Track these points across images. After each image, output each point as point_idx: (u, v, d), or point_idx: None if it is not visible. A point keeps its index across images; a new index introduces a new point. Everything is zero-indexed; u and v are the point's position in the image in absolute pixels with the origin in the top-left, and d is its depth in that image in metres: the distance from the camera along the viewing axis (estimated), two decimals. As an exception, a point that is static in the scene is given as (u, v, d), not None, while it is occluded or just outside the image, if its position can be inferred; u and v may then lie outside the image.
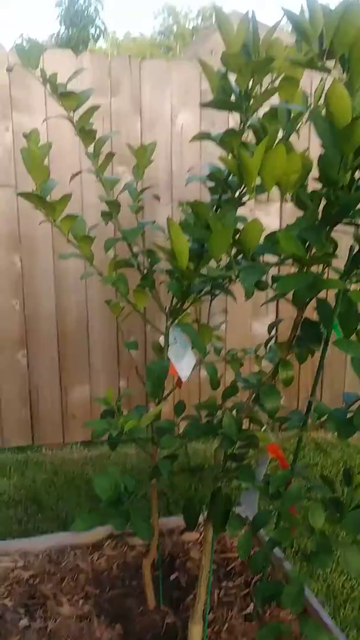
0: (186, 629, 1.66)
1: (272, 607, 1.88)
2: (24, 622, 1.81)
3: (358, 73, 0.99)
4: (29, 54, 1.58)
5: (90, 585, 2.00)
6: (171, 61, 3.29)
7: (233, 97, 1.21)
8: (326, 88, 1.02)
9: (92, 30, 11.70)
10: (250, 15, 1.14)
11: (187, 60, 3.09)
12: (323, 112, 1.06)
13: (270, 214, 3.43)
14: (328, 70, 1.02)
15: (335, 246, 1.22)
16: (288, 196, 1.18)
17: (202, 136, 1.30)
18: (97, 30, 11.83)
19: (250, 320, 3.56)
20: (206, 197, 1.48)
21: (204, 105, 1.13)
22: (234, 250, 1.26)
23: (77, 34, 11.32)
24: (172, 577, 2.06)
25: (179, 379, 1.64)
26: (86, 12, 11.41)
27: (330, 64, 1.08)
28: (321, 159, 1.08)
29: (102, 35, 12.24)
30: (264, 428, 1.37)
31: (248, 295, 1.41)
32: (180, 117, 3.23)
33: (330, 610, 2.13)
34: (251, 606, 1.90)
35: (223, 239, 1.14)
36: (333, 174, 1.05)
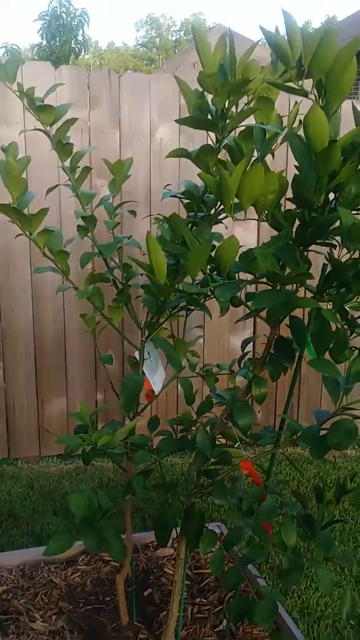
0: (159, 646, 1.65)
1: (245, 624, 1.87)
2: (-5, 639, 1.79)
3: (334, 98, 1.01)
4: (7, 67, 1.58)
5: (64, 601, 1.98)
6: (150, 75, 3.31)
7: (209, 116, 1.22)
8: (302, 109, 1.04)
9: (74, 45, 11.67)
10: (227, 35, 1.16)
11: (169, 73, 3.11)
12: (299, 132, 1.08)
13: (248, 229, 3.45)
14: (305, 93, 1.03)
15: (310, 266, 1.24)
16: (264, 216, 1.20)
17: (179, 153, 1.31)
18: (80, 44, 11.80)
19: (228, 335, 3.57)
20: (185, 213, 1.49)
21: (179, 122, 1.14)
22: (209, 267, 1.27)
23: (60, 47, 11.29)
24: (146, 593, 2.04)
25: (148, 393, 1.65)
26: (69, 26, 11.39)
27: (307, 84, 1.10)
28: (296, 180, 1.09)
29: (84, 50, 12.20)
30: (237, 444, 1.37)
31: (223, 311, 1.42)
32: (159, 131, 3.25)
33: (304, 627, 2.12)
34: (224, 623, 1.90)
35: (199, 257, 1.15)
36: (308, 195, 1.07)
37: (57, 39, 11.44)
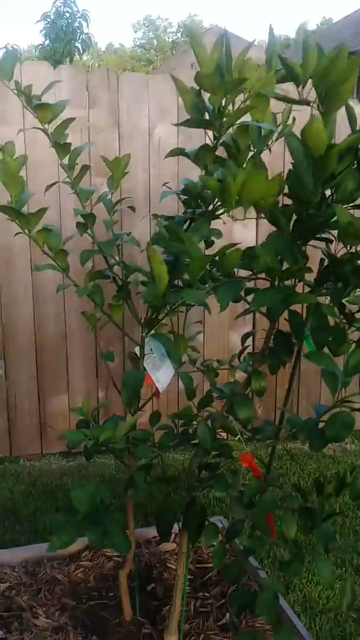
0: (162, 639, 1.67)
1: (248, 617, 1.89)
2: (0, 634, 1.80)
3: (333, 107, 1.03)
4: (3, 65, 1.59)
5: (67, 597, 1.99)
6: (149, 74, 3.32)
7: (207, 115, 1.23)
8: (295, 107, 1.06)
9: (77, 45, 11.66)
10: (223, 36, 1.17)
11: (167, 73, 3.12)
12: (295, 129, 1.10)
13: (247, 226, 3.46)
14: (308, 103, 1.06)
15: (307, 259, 1.25)
16: (263, 214, 1.21)
17: (177, 152, 1.32)
18: (83, 44, 11.79)
19: (228, 331, 3.58)
20: (183, 208, 1.50)
21: (178, 125, 1.16)
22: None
23: (62, 48, 11.27)
24: (149, 587, 2.06)
25: (157, 389, 1.66)
26: (71, 27, 11.37)
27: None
28: (293, 179, 1.11)
29: (87, 50, 12.19)
30: (237, 437, 1.38)
31: (222, 308, 1.43)
32: (157, 131, 3.26)
33: (306, 620, 2.14)
34: (227, 616, 1.91)
35: (199, 265, 1.17)
36: (305, 195, 1.08)
37: (62, 38, 11.42)
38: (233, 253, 1.17)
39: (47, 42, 11.81)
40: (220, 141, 1.24)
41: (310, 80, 1.08)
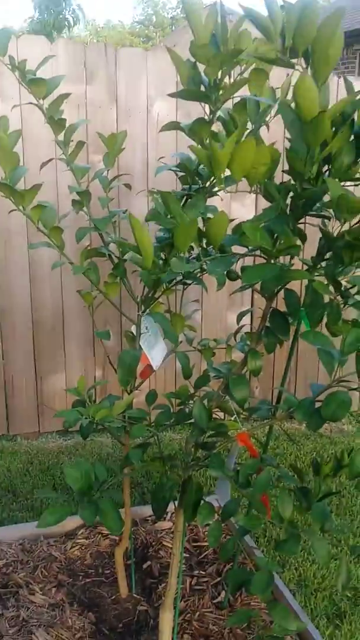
0: (158, 617, 1.68)
1: (244, 596, 1.90)
2: (-4, 611, 1.82)
3: (322, 69, 1.00)
4: (-3, 40, 1.56)
5: (63, 574, 2.00)
6: (148, 50, 3.26)
7: (202, 88, 1.21)
8: (293, 82, 1.03)
9: (67, 16, 11.40)
10: (218, 5, 1.14)
11: (163, 49, 3.07)
12: (292, 105, 1.07)
13: (245, 205, 3.43)
14: (291, 65, 1.02)
15: (304, 238, 1.23)
16: (257, 188, 1.19)
17: (173, 126, 1.30)
18: (73, 16, 11.53)
19: (226, 312, 3.57)
20: (181, 186, 1.48)
21: (172, 95, 1.13)
22: (204, 241, 1.26)
23: (52, 20, 11.03)
24: (145, 565, 2.07)
25: (144, 370, 1.65)
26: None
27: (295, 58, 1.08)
28: (288, 151, 1.08)
29: (77, 22, 11.93)
30: (234, 417, 1.38)
31: (220, 285, 1.42)
32: (156, 107, 3.22)
33: (301, 598, 2.15)
34: (222, 594, 1.92)
35: (188, 232, 1.14)
36: (299, 166, 1.06)
37: (52, 10, 11.19)
38: (218, 222, 1.14)
39: (36, 14, 11.58)
40: (217, 115, 1.21)
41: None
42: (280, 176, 1.17)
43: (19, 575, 1.95)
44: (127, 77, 3.16)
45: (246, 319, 3.28)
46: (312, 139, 1.01)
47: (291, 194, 1.15)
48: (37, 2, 11.32)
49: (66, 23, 11.48)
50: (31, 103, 1.56)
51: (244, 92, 1.23)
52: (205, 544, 2.15)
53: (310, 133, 1.00)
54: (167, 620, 1.59)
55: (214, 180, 1.35)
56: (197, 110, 3.28)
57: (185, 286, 1.63)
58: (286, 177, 1.17)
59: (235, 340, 1.57)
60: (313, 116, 0.99)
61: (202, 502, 1.44)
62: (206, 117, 1.24)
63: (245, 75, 1.19)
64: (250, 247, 1.20)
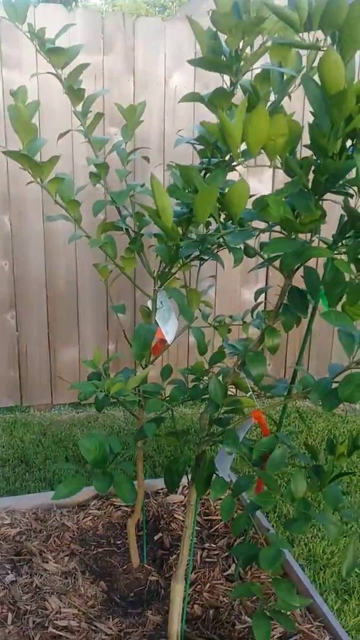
0: (169, 587, 1.70)
1: (254, 569, 1.92)
2: (11, 577, 1.85)
3: (347, 48, 0.97)
4: (16, 8, 1.54)
5: (76, 544, 2.03)
6: (166, 20, 3.21)
7: (223, 58, 1.18)
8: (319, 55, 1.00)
9: None
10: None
11: (184, 19, 3.02)
12: (315, 77, 1.04)
13: (262, 181, 3.40)
14: (317, 48, 1.00)
15: (324, 215, 1.22)
16: (279, 163, 1.17)
17: (192, 97, 1.28)
18: None
19: (240, 287, 3.55)
20: (197, 159, 1.46)
21: (192, 63, 1.11)
22: (223, 216, 1.25)
23: None
24: (156, 537, 2.09)
25: (156, 345, 1.65)
26: None
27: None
28: (312, 125, 1.06)
29: None
30: (249, 394, 1.38)
31: (237, 261, 1.41)
32: (174, 78, 3.17)
33: (310, 574, 2.17)
34: (232, 567, 1.94)
35: (207, 201, 1.12)
36: (323, 142, 1.04)
37: None
38: (238, 191, 1.12)
39: None
40: (238, 86, 1.19)
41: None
42: (301, 151, 1.16)
43: (33, 543, 1.99)
44: (144, 47, 3.11)
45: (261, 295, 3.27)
46: (336, 113, 0.99)
47: (313, 169, 1.14)
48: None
49: None
50: (50, 73, 1.54)
51: (266, 60, 1.21)
52: (216, 517, 2.17)
53: (335, 108, 0.98)
54: (178, 591, 1.61)
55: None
56: (216, 82, 3.24)
57: (202, 262, 1.62)
58: (305, 152, 1.15)
59: (251, 317, 1.56)
60: (338, 90, 0.97)
61: (214, 476, 1.45)
62: (226, 88, 1.22)
63: (268, 44, 1.17)
64: (270, 222, 1.19)
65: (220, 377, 1.40)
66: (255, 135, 1.04)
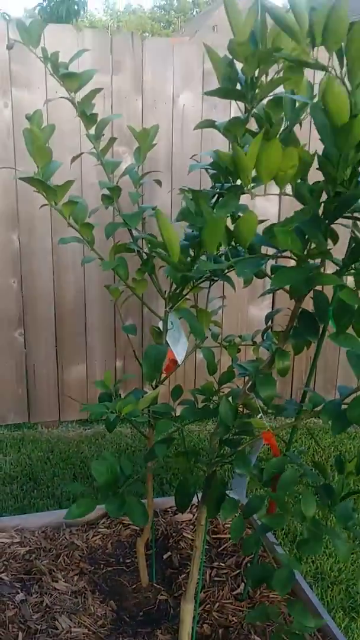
0: (178, 606, 1.70)
1: (263, 588, 1.92)
2: (20, 596, 1.85)
3: (357, 68, 0.99)
4: (30, 30, 1.57)
5: (85, 562, 2.03)
6: (173, 39, 3.25)
7: (238, 86, 1.20)
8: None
9: (73, 6, 11.23)
10: (258, 2, 1.13)
11: (189, 36, 3.06)
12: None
13: (269, 199, 3.42)
14: (323, 67, 1.01)
15: (336, 239, 1.23)
16: (288, 189, 1.19)
17: (206, 124, 1.30)
18: (77, 3, 11.34)
19: (247, 306, 3.57)
20: (206, 180, 1.49)
21: (208, 94, 1.13)
22: (233, 241, 1.27)
23: (57, 6, 10.88)
24: (165, 556, 2.10)
25: (168, 365, 1.66)
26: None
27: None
28: (320, 155, 1.08)
29: (82, 11, 11.73)
30: (259, 416, 1.39)
31: (246, 283, 1.43)
32: (182, 98, 3.21)
33: (318, 591, 2.17)
34: (242, 586, 1.94)
35: (215, 232, 1.14)
36: (331, 171, 1.06)
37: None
38: (247, 221, 1.14)
39: (44, 2, 11.47)
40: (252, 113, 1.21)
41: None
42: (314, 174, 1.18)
43: (42, 562, 1.99)
44: (153, 67, 3.15)
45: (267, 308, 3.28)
46: (343, 144, 1.01)
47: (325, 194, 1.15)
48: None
49: (72, 11, 11.34)
50: (64, 97, 1.57)
51: (281, 88, 1.23)
52: (225, 536, 2.17)
53: (342, 138, 1.00)
54: (188, 611, 1.61)
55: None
56: (224, 102, 3.28)
57: (212, 282, 1.64)
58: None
59: (262, 338, 1.58)
60: (344, 122, 0.98)
61: (225, 497, 1.46)
62: (235, 111, 1.24)
63: (282, 73, 1.19)
64: (280, 248, 1.20)
65: (230, 399, 1.41)
66: (267, 167, 1.06)
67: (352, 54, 0.99)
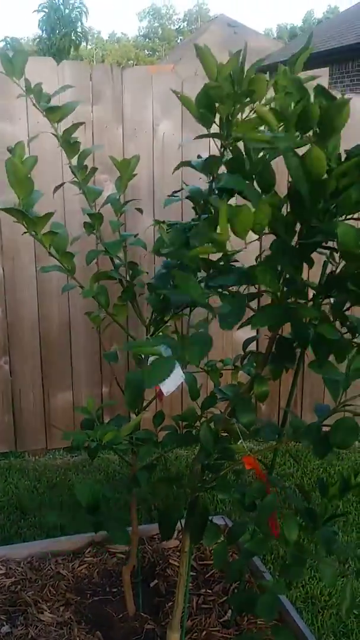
0: (165, 636, 1.69)
1: (250, 615, 1.91)
2: (5, 628, 1.83)
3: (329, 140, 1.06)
4: (14, 62, 1.59)
5: (71, 592, 2.02)
6: (153, 67, 3.31)
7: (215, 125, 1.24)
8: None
9: (74, 37, 11.50)
10: (240, 53, 1.17)
11: (174, 63, 3.12)
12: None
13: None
14: (302, 145, 1.08)
15: (311, 264, 1.26)
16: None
17: (184, 164, 1.33)
18: (79, 36, 11.62)
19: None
20: (187, 209, 1.51)
21: (200, 137, 1.17)
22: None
23: (59, 40, 11.14)
24: (152, 584, 2.08)
25: (161, 392, 1.66)
26: (68, 18, 11.24)
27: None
28: (292, 194, 1.12)
29: (84, 42, 12.04)
30: (240, 441, 1.40)
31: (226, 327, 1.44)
32: (162, 126, 3.26)
33: (308, 616, 2.16)
34: (229, 613, 1.93)
35: (190, 287, 1.19)
36: (305, 215, 1.09)
37: (57, 31, 11.34)
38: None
39: (44, 34, 11.73)
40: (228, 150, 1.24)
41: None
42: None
43: (28, 593, 1.97)
44: (132, 97, 3.20)
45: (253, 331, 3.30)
46: (319, 193, 1.06)
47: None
48: (43, 22, 11.45)
49: (73, 43, 11.60)
50: (47, 132, 1.59)
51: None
52: (212, 562, 2.16)
53: (318, 189, 1.05)
54: (174, 640, 1.61)
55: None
56: (203, 129, 3.33)
57: (193, 309, 1.65)
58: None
59: (242, 363, 1.59)
60: (320, 179, 1.04)
61: (208, 523, 1.46)
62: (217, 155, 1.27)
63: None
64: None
65: (211, 424, 1.42)
66: (241, 226, 1.11)
67: (324, 130, 1.06)
